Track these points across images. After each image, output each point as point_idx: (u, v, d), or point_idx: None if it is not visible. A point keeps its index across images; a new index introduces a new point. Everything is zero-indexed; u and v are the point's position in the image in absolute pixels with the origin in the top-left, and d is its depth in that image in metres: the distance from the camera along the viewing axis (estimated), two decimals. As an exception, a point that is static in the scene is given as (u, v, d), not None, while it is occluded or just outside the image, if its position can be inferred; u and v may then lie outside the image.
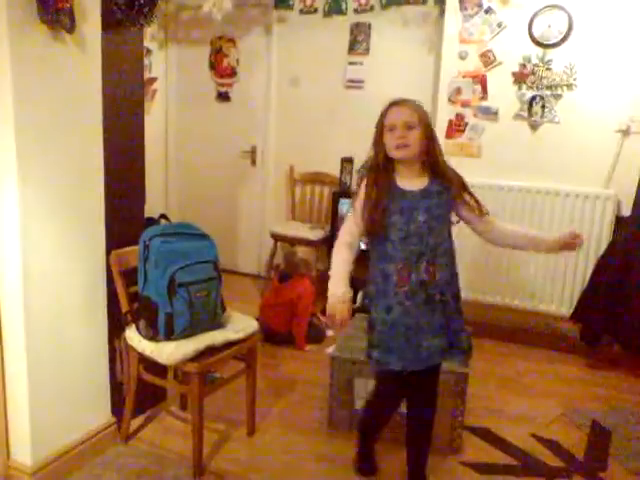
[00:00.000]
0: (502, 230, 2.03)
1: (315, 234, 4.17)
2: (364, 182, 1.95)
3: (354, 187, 2.19)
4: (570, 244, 1.99)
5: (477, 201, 1.97)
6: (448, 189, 1.92)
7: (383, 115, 1.92)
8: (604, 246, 3.38)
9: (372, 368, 2.15)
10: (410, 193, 1.89)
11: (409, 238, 1.87)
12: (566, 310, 3.53)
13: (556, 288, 3.60)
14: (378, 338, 1.94)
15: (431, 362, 1.94)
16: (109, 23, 2.16)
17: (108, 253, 2.27)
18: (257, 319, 2.57)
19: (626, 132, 3.38)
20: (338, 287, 1.86)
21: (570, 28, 3.40)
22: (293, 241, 4.25)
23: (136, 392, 2.36)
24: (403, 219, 1.87)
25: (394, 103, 1.93)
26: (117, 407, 2.43)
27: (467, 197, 1.96)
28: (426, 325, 1.90)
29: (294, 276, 3.57)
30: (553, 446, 2.54)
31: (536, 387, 3.11)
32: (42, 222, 2.00)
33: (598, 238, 3.44)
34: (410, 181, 1.91)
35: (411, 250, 1.88)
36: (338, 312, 1.82)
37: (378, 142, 1.93)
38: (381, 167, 1.92)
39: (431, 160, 1.92)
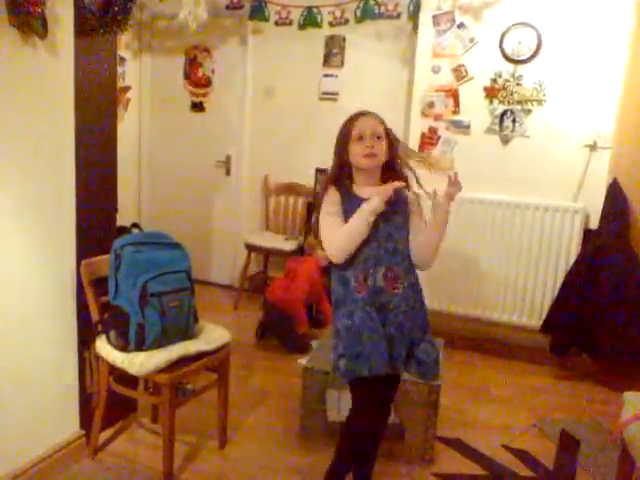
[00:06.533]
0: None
1: (289, 245, 4.16)
2: (329, 192, 1.93)
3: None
4: (451, 192, 1.94)
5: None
6: (405, 200, 1.96)
7: (350, 125, 1.92)
8: (573, 258, 3.44)
9: (343, 381, 2.05)
10: None
11: (369, 243, 1.86)
12: (536, 322, 3.58)
13: (526, 300, 3.65)
14: (344, 346, 1.88)
15: (398, 369, 1.89)
16: (82, 29, 2.14)
17: (79, 262, 2.23)
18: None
19: (593, 147, 3.46)
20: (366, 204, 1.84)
21: (539, 45, 3.49)
22: (268, 252, 4.24)
23: (106, 404, 2.31)
24: None
25: (362, 113, 1.94)
26: (86, 420, 2.38)
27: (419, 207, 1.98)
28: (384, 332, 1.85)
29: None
30: (524, 456, 2.56)
31: (507, 398, 3.14)
32: (11, 230, 1.96)
33: (567, 251, 3.50)
34: (370, 190, 1.89)
35: (369, 254, 1.86)
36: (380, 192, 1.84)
37: (342, 151, 1.93)
38: (344, 176, 1.94)
39: (392, 170, 1.95)
